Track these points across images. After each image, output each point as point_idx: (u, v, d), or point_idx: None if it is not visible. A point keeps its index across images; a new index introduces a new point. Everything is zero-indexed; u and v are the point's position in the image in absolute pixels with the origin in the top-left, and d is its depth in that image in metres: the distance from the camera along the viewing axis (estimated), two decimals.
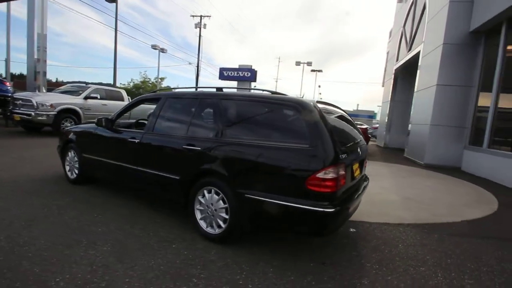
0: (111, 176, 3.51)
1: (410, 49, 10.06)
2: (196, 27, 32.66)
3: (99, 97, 9.79)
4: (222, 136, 2.47)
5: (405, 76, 11.77)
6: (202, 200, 2.53)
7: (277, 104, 2.36)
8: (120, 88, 14.28)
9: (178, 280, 1.91)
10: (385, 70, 16.64)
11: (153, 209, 3.14)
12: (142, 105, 3.80)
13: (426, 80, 7.85)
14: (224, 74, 36.63)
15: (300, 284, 1.96)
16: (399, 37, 11.62)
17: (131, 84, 32.35)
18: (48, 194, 3.42)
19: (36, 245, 2.23)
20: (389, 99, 12.41)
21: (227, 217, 2.38)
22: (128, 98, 11.04)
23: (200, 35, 31.89)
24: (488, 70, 6.60)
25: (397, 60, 11.83)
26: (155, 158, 2.91)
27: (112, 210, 3.04)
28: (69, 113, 8.93)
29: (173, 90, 3.42)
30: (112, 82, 20.64)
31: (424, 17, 8.70)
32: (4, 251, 2.11)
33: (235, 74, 35.53)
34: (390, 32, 16.55)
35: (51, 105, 8.24)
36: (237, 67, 36.44)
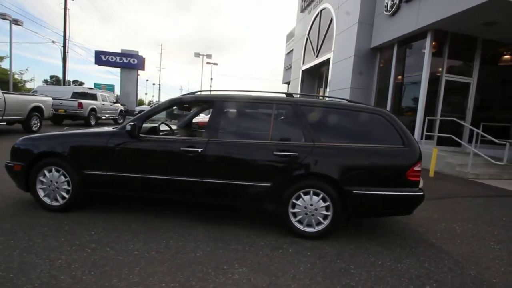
0: (146, 192, 2.91)
1: (317, 56, 12.12)
2: None
3: None
4: (317, 141, 2.66)
5: (311, 77, 14.02)
6: (298, 203, 2.66)
7: (364, 112, 2.77)
8: None
9: (341, 274, 2.11)
10: (286, 69, 19.01)
11: (215, 222, 2.91)
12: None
13: (339, 83, 9.83)
14: (103, 58, 31.54)
15: (407, 252, 2.54)
16: (304, 43, 13.68)
17: None
18: (53, 230, 2.52)
19: None
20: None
21: (328, 213, 2.64)
22: None
23: (66, 7, 25.62)
24: (381, 78, 9.06)
25: (303, 63, 13.92)
26: (234, 167, 2.72)
27: (172, 232, 2.63)
28: None
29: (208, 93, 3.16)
30: None
31: (332, 30, 10.72)
32: None
33: (118, 60, 31.23)
34: (288, 36, 18.95)
35: None
36: (118, 51, 31.84)
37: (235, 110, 2.88)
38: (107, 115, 15.26)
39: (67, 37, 23.34)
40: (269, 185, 2.65)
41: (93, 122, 13.48)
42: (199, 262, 2.16)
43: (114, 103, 16.50)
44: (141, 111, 25.12)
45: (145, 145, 2.82)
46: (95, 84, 36.50)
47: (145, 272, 1.99)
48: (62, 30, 22.91)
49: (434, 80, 7.22)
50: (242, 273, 2.05)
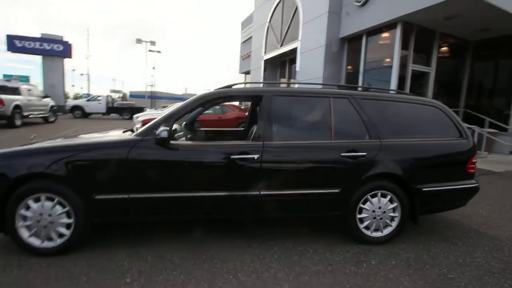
0: (186, 214, 2.32)
1: (282, 44, 11.93)
2: None
3: None
4: (382, 138, 2.43)
5: (274, 66, 13.82)
6: (366, 207, 2.43)
7: (421, 104, 2.63)
8: None
9: (443, 282, 1.96)
10: (243, 58, 18.43)
11: (260, 238, 2.50)
12: None
13: (309, 73, 9.84)
14: (17, 44, 26.93)
15: (469, 244, 2.54)
16: (265, 31, 13.33)
17: None
18: (68, 286, 1.79)
19: None
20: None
21: (396, 215, 2.48)
22: None
23: None
24: (350, 67, 9.37)
25: (265, 52, 13.60)
26: (297, 174, 2.32)
27: (229, 261, 2.15)
28: None
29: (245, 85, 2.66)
30: None
31: (297, 18, 10.60)
32: None
33: (38, 46, 26.78)
34: (244, 23, 18.32)
35: None
36: (38, 36, 27.34)
37: (287, 106, 2.44)
38: (35, 113, 12.67)
39: None
40: (337, 191, 2.34)
41: (18, 122, 11.07)
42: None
43: (43, 97, 13.82)
44: (75, 106, 21.54)
45: (182, 155, 2.21)
46: (5, 75, 30.15)
47: None
48: None
49: (402, 70, 7.72)
50: None
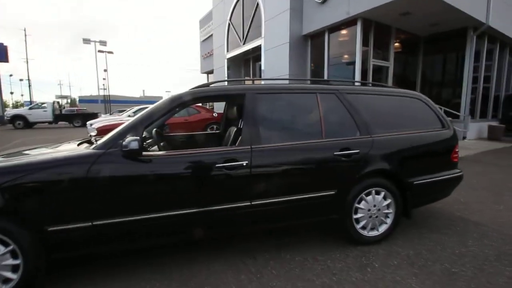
0: (162, 238, 1.96)
1: (245, 42, 11.68)
2: None
3: None
4: (372, 133, 2.33)
5: (238, 64, 13.50)
6: (361, 206, 2.31)
7: (405, 96, 2.59)
8: None
9: (450, 278, 1.90)
10: (204, 57, 17.80)
11: (246, 253, 2.26)
12: None
13: (275, 70, 9.75)
14: None
15: (459, 233, 2.57)
16: (226, 29, 12.96)
17: None
18: None
19: None
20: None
21: (390, 211, 2.40)
22: None
23: None
24: (314, 63, 9.47)
25: (227, 50, 13.23)
26: (291, 179, 2.10)
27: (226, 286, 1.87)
28: None
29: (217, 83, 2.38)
30: None
31: (259, 15, 10.44)
32: None
33: None
34: (202, 21, 17.69)
35: None
36: None
37: (274, 104, 2.21)
38: None
39: None
40: (333, 192, 2.17)
41: None
42: None
43: None
44: (16, 115, 19.27)
45: (157, 168, 1.86)
46: None
47: None
48: None
49: (364, 65, 7.98)
50: None
